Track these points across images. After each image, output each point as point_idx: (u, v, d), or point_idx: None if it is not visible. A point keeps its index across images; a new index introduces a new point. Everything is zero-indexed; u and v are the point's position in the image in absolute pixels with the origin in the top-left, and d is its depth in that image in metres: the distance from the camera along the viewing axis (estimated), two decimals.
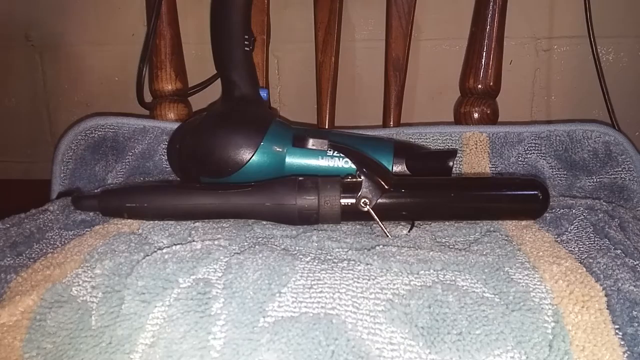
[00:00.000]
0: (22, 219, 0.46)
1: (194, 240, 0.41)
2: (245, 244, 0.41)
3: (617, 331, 0.33)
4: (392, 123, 0.72)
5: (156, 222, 0.45)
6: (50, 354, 0.33)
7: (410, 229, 0.45)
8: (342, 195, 0.44)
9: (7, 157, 1.00)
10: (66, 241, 0.43)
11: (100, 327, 0.34)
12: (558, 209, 0.50)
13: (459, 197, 0.46)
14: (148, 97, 0.71)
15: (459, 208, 0.47)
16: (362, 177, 0.45)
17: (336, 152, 0.52)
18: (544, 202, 0.46)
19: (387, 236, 0.44)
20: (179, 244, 0.41)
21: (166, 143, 0.62)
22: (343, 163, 0.52)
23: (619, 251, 0.41)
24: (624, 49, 0.80)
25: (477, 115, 0.68)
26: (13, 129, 0.97)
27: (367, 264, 0.38)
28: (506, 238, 0.43)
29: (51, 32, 0.91)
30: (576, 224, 0.46)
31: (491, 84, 0.67)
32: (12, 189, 0.99)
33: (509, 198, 0.47)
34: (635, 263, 0.39)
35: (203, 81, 0.76)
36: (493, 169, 0.61)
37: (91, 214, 0.47)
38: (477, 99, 0.68)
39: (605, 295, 0.35)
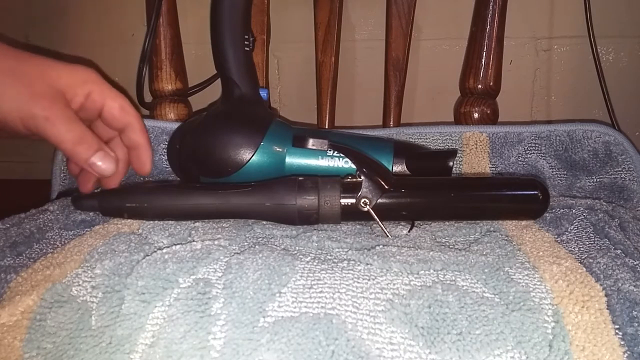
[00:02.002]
0: (22, 219, 0.46)
1: (194, 240, 0.41)
2: (245, 244, 0.41)
3: (617, 331, 0.33)
4: (392, 123, 0.72)
5: (156, 222, 0.45)
6: (50, 354, 0.33)
7: (410, 229, 0.45)
8: (342, 195, 0.44)
9: (7, 157, 1.00)
10: (66, 241, 0.43)
11: (100, 327, 0.34)
12: (558, 209, 0.50)
13: (459, 197, 0.46)
14: (148, 97, 0.71)
15: (459, 208, 0.47)
16: (362, 177, 0.45)
17: (336, 152, 0.52)
18: (544, 202, 0.46)
19: (387, 236, 0.44)
20: (179, 244, 0.41)
21: (166, 143, 0.62)
22: (343, 163, 0.52)
23: (619, 251, 0.41)
24: (624, 49, 0.80)
25: (477, 115, 0.68)
26: None
27: (367, 264, 0.38)
28: (506, 238, 0.43)
29: (51, 33, 0.91)
30: (576, 224, 0.46)
31: (491, 84, 0.67)
32: (13, 189, 0.99)
33: (509, 198, 0.47)
34: (635, 263, 0.39)
35: (203, 81, 0.76)
36: (493, 169, 0.61)
37: (91, 214, 0.47)
38: (477, 98, 0.68)
39: (605, 295, 0.35)
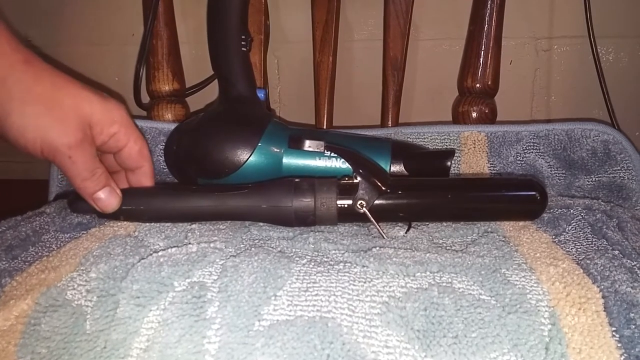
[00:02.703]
0: (19, 221, 0.46)
1: (190, 243, 0.41)
2: (242, 246, 0.41)
3: (614, 333, 0.32)
4: (390, 123, 0.72)
5: (152, 224, 0.45)
6: (45, 359, 0.33)
7: (407, 230, 0.45)
8: (338, 196, 0.44)
9: (7, 157, 1.00)
10: (62, 244, 0.42)
11: (95, 331, 0.34)
12: (556, 209, 0.49)
13: (456, 198, 0.46)
14: (145, 98, 0.71)
15: (456, 209, 0.47)
16: (359, 179, 0.45)
17: (332, 153, 0.52)
18: (542, 202, 0.46)
19: (384, 237, 0.44)
20: (174, 246, 0.40)
21: (163, 144, 0.62)
22: (340, 163, 0.52)
23: (616, 252, 0.40)
24: (624, 49, 0.80)
25: (475, 114, 0.67)
26: None
27: (364, 266, 0.38)
28: (503, 239, 0.43)
29: (51, 32, 0.90)
30: (574, 224, 0.46)
31: (489, 83, 0.67)
32: (12, 189, 0.99)
33: (507, 199, 0.46)
34: (632, 264, 0.39)
35: (200, 82, 0.76)
36: (491, 168, 0.61)
37: (87, 216, 0.47)
38: (476, 98, 0.68)
39: (602, 297, 0.35)
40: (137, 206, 0.45)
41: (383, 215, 0.45)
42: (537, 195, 0.46)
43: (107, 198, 0.43)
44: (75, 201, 0.46)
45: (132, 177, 0.48)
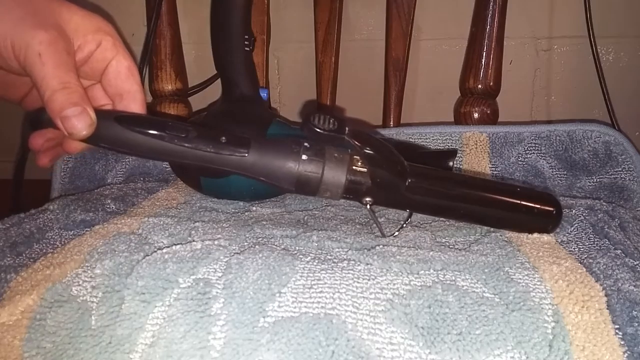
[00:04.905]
0: (22, 218, 0.46)
1: (194, 240, 0.41)
2: (245, 244, 0.41)
3: (617, 331, 0.33)
4: (392, 123, 0.72)
5: (156, 222, 0.45)
6: (50, 354, 0.33)
7: (408, 217, 0.45)
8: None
9: (7, 157, 1.00)
10: (66, 241, 0.42)
11: (100, 326, 0.34)
12: None
13: (473, 200, 0.43)
14: (148, 97, 0.71)
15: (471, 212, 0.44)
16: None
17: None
18: (557, 218, 0.44)
19: (384, 236, 0.43)
20: (179, 243, 0.40)
21: None
22: None
23: (619, 251, 0.41)
24: (624, 49, 0.80)
25: (477, 115, 0.68)
26: (13, 129, 0.97)
27: (367, 264, 0.38)
28: (506, 239, 0.43)
29: None
30: (576, 224, 0.46)
31: (491, 84, 0.67)
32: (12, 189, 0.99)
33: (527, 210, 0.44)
34: (635, 263, 0.39)
35: (203, 81, 0.76)
36: (493, 169, 0.61)
37: (91, 213, 0.47)
38: (477, 99, 0.68)
39: (605, 295, 0.35)
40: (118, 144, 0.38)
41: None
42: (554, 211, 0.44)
43: (77, 119, 0.35)
44: (38, 120, 0.39)
45: (120, 106, 0.41)
